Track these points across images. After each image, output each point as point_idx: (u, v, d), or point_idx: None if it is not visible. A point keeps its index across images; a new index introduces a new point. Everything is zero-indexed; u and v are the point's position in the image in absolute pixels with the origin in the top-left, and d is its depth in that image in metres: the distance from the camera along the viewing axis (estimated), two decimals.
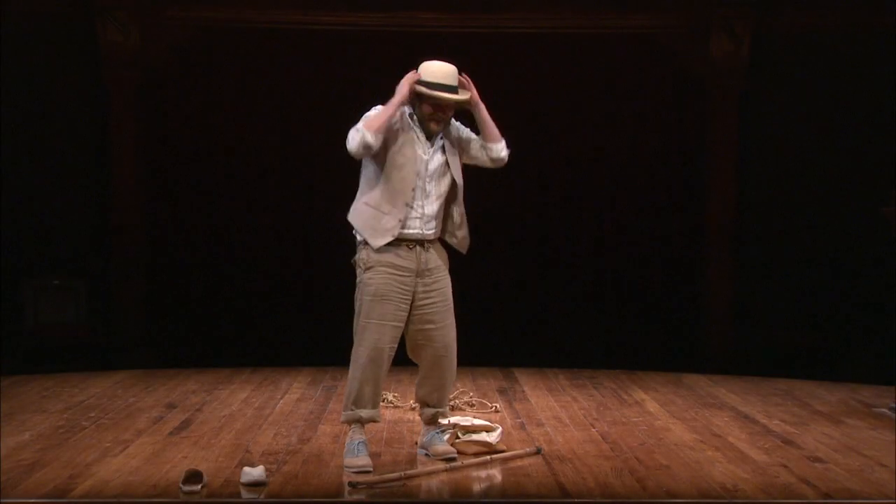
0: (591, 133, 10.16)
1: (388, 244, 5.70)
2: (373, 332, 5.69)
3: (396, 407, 7.35)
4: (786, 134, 10.07)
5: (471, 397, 7.57)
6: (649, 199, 10.21)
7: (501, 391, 8.04)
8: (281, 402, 7.63)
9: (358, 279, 5.78)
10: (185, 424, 6.80)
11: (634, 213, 10.23)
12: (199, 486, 5.20)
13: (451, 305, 5.86)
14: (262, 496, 5.16)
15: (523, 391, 8.12)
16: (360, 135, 5.62)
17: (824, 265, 9.99)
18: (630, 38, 10.05)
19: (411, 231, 5.73)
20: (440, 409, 5.95)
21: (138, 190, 9.91)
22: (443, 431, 6.09)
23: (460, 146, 5.88)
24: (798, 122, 10.04)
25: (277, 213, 10.14)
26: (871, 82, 9.86)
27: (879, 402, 7.78)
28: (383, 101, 5.73)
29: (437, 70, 5.75)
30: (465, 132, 5.91)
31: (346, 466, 5.64)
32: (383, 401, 7.45)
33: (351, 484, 5.28)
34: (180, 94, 10.06)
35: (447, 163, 5.78)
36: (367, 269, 5.73)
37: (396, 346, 5.78)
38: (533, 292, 10.23)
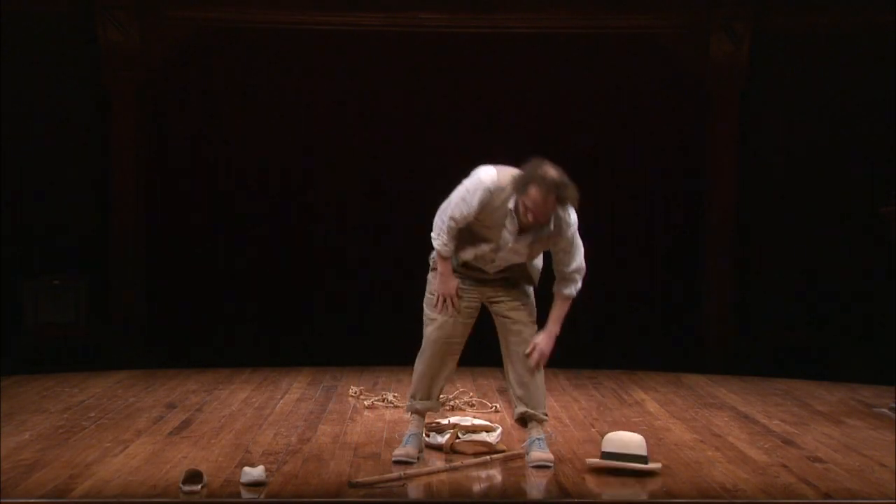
0: (591, 133, 10.15)
1: None
2: (431, 326, 5.82)
3: (396, 407, 7.34)
4: (786, 134, 10.06)
5: (471, 397, 7.57)
6: (649, 200, 10.21)
7: (501, 391, 8.03)
8: (281, 402, 7.63)
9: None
10: (185, 424, 6.79)
11: (634, 213, 10.23)
12: (199, 486, 5.20)
13: (531, 306, 5.87)
14: (262, 496, 5.15)
15: None
16: (438, 244, 5.70)
17: (824, 265, 9.98)
18: (630, 38, 10.04)
19: (473, 273, 5.82)
20: (527, 410, 5.85)
21: (138, 190, 9.91)
22: (441, 432, 6.10)
23: (552, 242, 5.73)
24: (798, 122, 10.04)
25: (277, 213, 10.14)
26: (871, 82, 9.86)
27: (879, 402, 7.78)
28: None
29: (622, 441, 5.67)
30: (564, 246, 5.72)
31: (392, 455, 5.81)
32: (382, 400, 7.48)
33: (351, 484, 5.29)
34: (180, 94, 10.06)
35: (529, 246, 5.71)
36: (432, 269, 5.84)
37: (460, 341, 5.84)
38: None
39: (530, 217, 5.55)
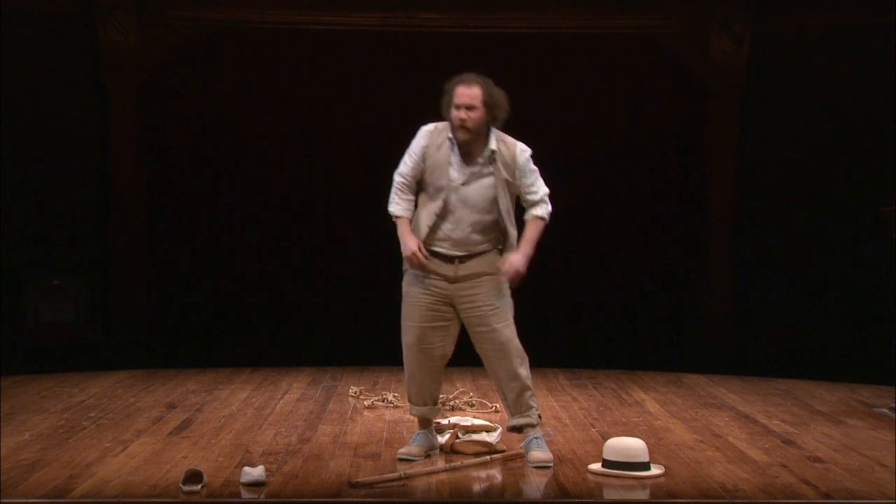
0: (591, 133, 10.15)
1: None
2: (405, 334, 5.85)
3: (396, 407, 7.34)
4: (786, 133, 10.06)
5: (471, 397, 7.57)
6: (649, 199, 10.20)
7: None
8: (281, 402, 7.63)
9: None
10: (185, 424, 6.80)
11: (634, 213, 10.22)
12: (199, 486, 5.20)
13: (502, 309, 5.81)
14: (262, 496, 5.16)
15: None
16: (391, 207, 5.83)
17: (824, 265, 9.98)
18: (630, 38, 10.03)
19: (440, 250, 5.76)
20: (520, 420, 5.83)
21: (138, 190, 9.91)
22: (441, 432, 6.09)
23: (508, 173, 5.75)
24: (798, 121, 10.03)
25: (277, 213, 10.14)
26: (872, 82, 9.85)
27: (879, 402, 7.78)
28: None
29: (624, 450, 5.63)
30: (520, 175, 5.78)
31: (397, 452, 5.89)
32: (382, 400, 7.47)
33: (351, 484, 5.29)
34: (180, 94, 10.05)
35: (492, 191, 5.71)
36: (404, 273, 5.86)
37: (440, 345, 5.82)
38: (532, 293, 10.20)
39: (462, 114, 5.63)
